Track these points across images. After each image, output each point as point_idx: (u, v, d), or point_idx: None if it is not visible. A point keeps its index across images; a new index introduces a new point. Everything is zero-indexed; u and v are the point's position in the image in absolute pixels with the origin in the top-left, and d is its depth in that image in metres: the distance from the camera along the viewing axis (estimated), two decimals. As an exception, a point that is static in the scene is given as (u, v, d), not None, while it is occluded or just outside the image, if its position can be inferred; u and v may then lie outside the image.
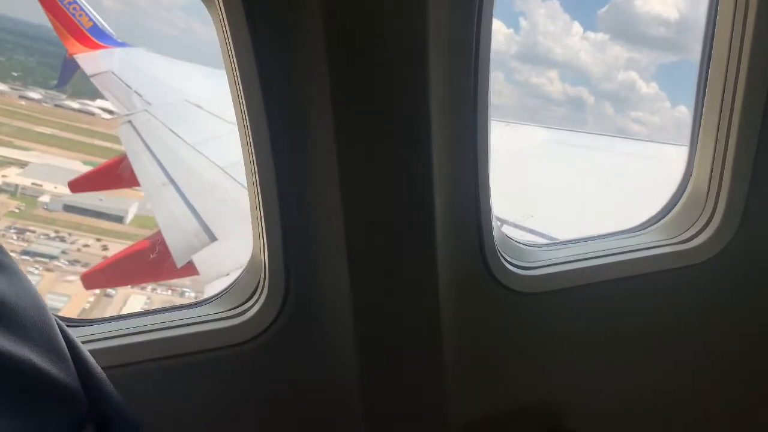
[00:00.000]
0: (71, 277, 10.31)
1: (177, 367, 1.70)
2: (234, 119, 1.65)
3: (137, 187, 8.45)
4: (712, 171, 1.85)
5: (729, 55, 1.73)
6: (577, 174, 5.81)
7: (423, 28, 1.44)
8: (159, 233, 6.30)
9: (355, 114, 1.52)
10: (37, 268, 10.31)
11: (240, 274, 1.83)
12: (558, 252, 1.92)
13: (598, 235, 2.00)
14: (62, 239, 10.95)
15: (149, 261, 6.58)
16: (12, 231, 10.77)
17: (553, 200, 5.11)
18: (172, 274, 6.41)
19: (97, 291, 10.10)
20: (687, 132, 1.92)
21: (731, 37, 1.71)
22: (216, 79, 9.72)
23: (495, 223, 1.78)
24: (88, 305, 10.01)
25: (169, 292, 9.94)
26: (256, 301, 1.75)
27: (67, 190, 10.20)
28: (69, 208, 11.12)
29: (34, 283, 1.09)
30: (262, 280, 1.75)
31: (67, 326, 1.14)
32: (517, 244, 1.89)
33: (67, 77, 12.72)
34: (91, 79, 11.39)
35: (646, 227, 2.01)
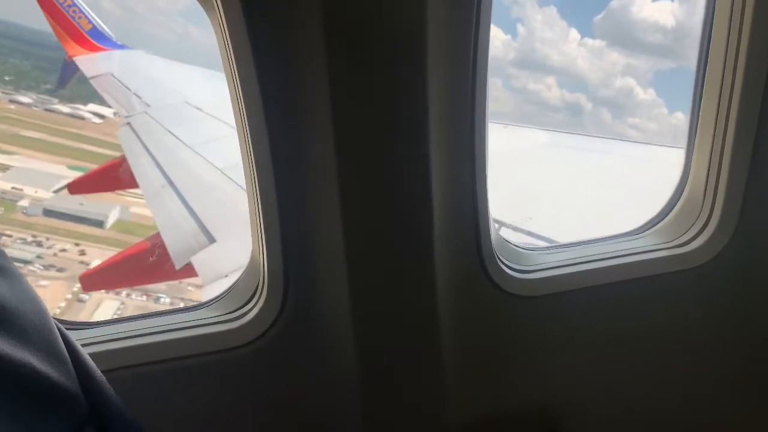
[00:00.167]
0: (44, 282, 10.19)
1: (176, 370, 1.71)
2: (233, 122, 1.66)
3: (136, 189, 8.42)
4: (708, 175, 1.86)
5: (725, 60, 1.74)
6: (574, 175, 5.82)
7: (422, 28, 1.45)
8: (158, 235, 6.30)
9: (355, 118, 1.52)
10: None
11: (239, 278, 1.83)
12: (555, 255, 1.92)
13: (596, 238, 2.01)
14: (39, 244, 10.82)
15: (149, 263, 6.58)
16: (-13, 235, 10.69)
17: (551, 202, 5.12)
18: (171, 276, 6.41)
19: (69, 296, 10.00)
20: (684, 137, 1.93)
21: (727, 43, 1.72)
22: (216, 81, 9.72)
23: (493, 227, 1.79)
24: (59, 310, 9.88)
25: (144, 297, 9.85)
26: (255, 305, 1.75)
27: (47, 194, 10.13)
28: (48, 213, 11.00)
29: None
30: (260, 283, 1.75)
31: (67, 329, 1.15)
32: (515, 247, 1.90)
33: (66, 79, 12.71)
34: (91, 81, 11.38)
35: (643, 231, 2.02)
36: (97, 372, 1.16)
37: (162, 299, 9.70)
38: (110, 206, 11.07)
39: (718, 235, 1.87)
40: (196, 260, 5.32)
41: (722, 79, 1.76)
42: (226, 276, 4.78)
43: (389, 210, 1.64)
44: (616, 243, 1.98)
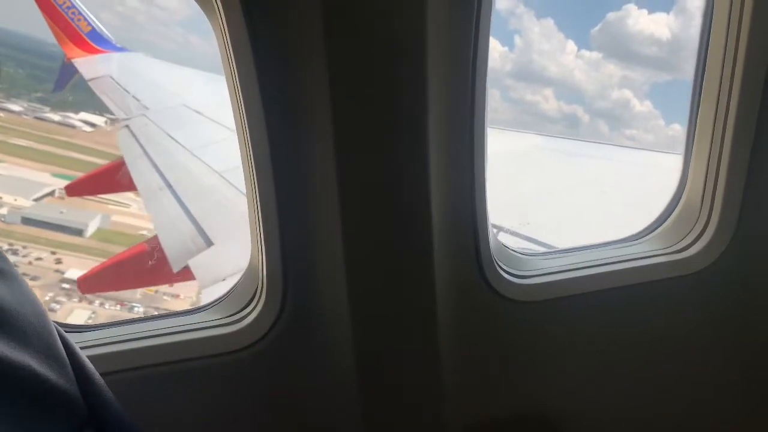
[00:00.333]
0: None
1: (175, 374, 1.71)
2: (232, 125, 1.66)
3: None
4: (706, 182, 1.87)
5: (723, 66, 1.75)
6: (570, 180, 5.83)
7: (422, 28, 1.45)
8: (155, 238, 6.29)
9: (355, 118, 1.53)
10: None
11: (238, 281, 1.83)
12: (554, 261, 1.93)
13: (594, 244, 2.02)
14: (15, 252, 10.66)
15: (146, 265, 6.56)
16: (-39, 244, 10.54)
17: (549, 207, 5.13)
18: (169, 279, 6.39)
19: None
20: (681, 148, 1.94)
21: (725, 50, 1.73)
22: (215, 84, 9.72)
23: (491, 232, 1.80)
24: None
25: (118, 307, 9.70)
26: (254, 308, 1.75)
27: (27, 203, 10.00)
28: (27, 221, 10.82)
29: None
30: (260, 286, 1.75)
31: (66, 332, 1.15)
32: (513, 252, 1.90)
33: (65, 82, 12.67)
34: (89, 84, 11.34)
35: (642, 237, 2.03)
36: (96, 375, 1.16)
37: (136, 309, 9.54)
38: (91, 214, 10.86)
39: (716, 240, 1.88)
40: (194, 263, 5.31)
41: (720, 86, 1.77)
42: (223, 279, 4.77)
43: (389, 211, 1.64)
44: (614, 249, 1.98)
